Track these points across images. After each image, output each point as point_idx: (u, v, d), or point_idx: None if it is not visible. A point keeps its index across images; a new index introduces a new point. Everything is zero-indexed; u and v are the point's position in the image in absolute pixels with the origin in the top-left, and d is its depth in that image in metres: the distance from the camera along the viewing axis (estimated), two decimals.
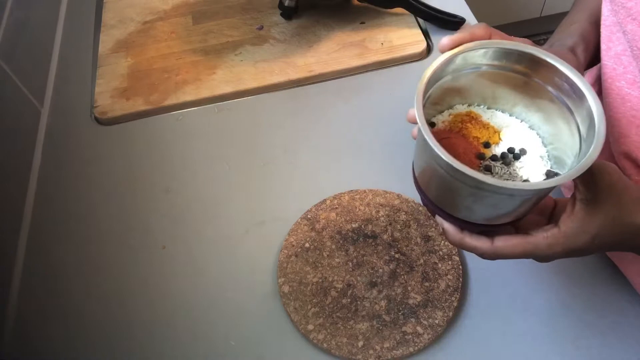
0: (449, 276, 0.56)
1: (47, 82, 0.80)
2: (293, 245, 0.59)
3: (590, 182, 0.37)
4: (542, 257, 0.39)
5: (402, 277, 0.56)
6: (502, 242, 0.39)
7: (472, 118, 0.42)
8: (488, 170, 0.39)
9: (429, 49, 0.79)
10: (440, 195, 0.40)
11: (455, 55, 0.38)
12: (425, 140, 0.35)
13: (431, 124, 0.42)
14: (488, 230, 0.40)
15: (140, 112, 0.74)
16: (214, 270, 0.60)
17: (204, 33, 0.83)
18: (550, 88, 0.39)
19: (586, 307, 0.54)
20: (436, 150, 0.34)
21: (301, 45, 0.80)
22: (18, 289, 0.60)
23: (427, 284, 0.55)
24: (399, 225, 0.60)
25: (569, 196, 0.40)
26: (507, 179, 0.39)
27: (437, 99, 0.41)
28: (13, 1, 0.75)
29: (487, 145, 0.41)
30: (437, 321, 0.53)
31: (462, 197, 0.37)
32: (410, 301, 0.54)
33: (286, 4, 0.82)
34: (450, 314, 0.53)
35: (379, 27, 0.81)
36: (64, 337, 0.57)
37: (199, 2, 0.88)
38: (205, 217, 0.64)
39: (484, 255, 0.40)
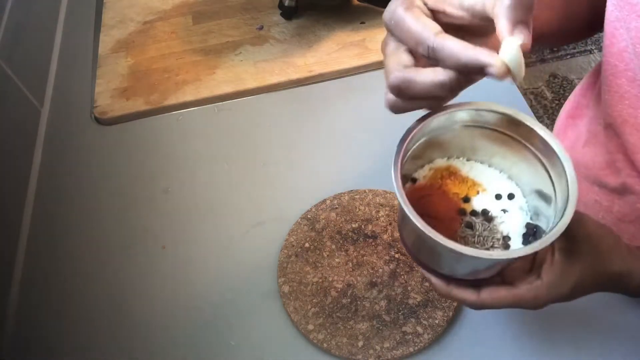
0: None
1: (47, 82, 0.80)
2: (293, 245, 0.59)
3: (567, 233, 0.38)
4: (528, 307, 0.41)
5: (402, 277, 0.56)
6: (488, 295, 0.40)
7: (452, 173, 0.43)
8: (469, 227, 0.40)
9: None
10: (425, 255, 0.41)
11: (432, 119, 0.39)
12: (406, 213, 0.36)
13: (412, 180, 0.43)
14: (474, 282, 0.41)
15: (140, 112, 0.74)
16: (214, 270, 0.60)
17: (204, 33, 0.83)
18: (527, 144, 0.40)
19: (586, 307, 0.54)
20: (417, 224, 0.35)
21: (301, 45, 0.80)
22: (18, 289, 0.60)
23: (427, 284, 0.55)
24: None
25: None
26: (487, 236, 0.40)
27: (417, 154, 0.42)
28: (13, 1, 0.75)
29: (466, 199, 0.42)
30: (437, 321, 0.53)
31: (446, 260, 0.39)
32: (410, 301, 0.54)
33: (286, 4, 0.82)
34: (450, 314, 0.53)
35: (379, 27, 0.81)
36: (64, 337, 0.57)
37: (199, 2, 0.88)
38: (205, 217, 0.64)
39: (471, 306, 0.42)
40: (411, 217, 0.35)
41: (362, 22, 0.82)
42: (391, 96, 0.35)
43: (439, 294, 0.43)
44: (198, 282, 0.59)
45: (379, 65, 0.78)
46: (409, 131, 0.38)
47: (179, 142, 0.72)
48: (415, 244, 0.41)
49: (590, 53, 1.97)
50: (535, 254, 0.36)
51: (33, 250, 0.63)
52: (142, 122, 0.74)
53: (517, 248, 0.39)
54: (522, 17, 0.31)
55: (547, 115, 1.77)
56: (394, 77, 0.34)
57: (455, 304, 0.54)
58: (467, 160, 0.44)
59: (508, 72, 0.31)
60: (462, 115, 0.40)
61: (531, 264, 0.42)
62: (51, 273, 0.61)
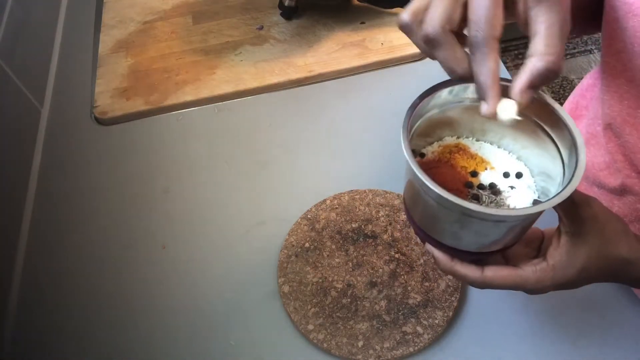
0: (448, 276, 0.56)
1: (47, 82, 0.80)
2: (293, 245, 0.59)
3: (573, 214, 0.37)
4: (531, 290, 0.40)
5: (402, 277, 0.56)
6: (492, 273, 0.40)
7: (460, 149, 0.43)
8: (476, 199, 0.40)
9: None
10: (430, 223, 0.41)
11: (439, 90, 0.39)
12: (412, 170, 0.36)
13: (421, 155, 0.43)
14: (478, 259, 0.41)
15: (140, 112, 0.74)
16: (214, 270, 0.60)
17: (204, 33, 0.83)
18: (534, 118, 0.40)
19: (586, 307, 0.54)
20: (422, 178, 0.35)
21: (301, 45, 0.80)
22: (18, 289, 0.60)
23: (427, 284, 0.55)
24: (399, 225, 0.60)
25: None
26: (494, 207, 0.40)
27: (426, 131, 0.42)
28: (13, 1, 0.75)
29: (474, 174, 0.42)
30: (437, 321, 0.53)
31: (450, 224, 0.38)
32: (410, 301, 0.54)
33: (286, 4, 0.82)
34: (450, 314, 0.53)
35: (379, 27, 0.81)
36: (64, 337, 0.57)
37: (199, 2, 0.88)
38: (205, 217, 0.64)
39: (474, 283, 0.41)
40: (420, 176, 0.35)
41: (362, 22, 0.82)
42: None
43: (441, 269, 0.42)
44: (198, 282, 0.59)
45: (379, 65, 0.78)
46: (415, 102, 0.38)
47: (179, 142, 0.72)
48: (421, 213, 0.41)
49: (590, 53, 1.97)
50: (539, 214, 0.35)
51: (33, 250, 0.63)
52: (142, 122, 0.74)
53: (521, 207, 0.38)
54: (539, 84, 0.33)
55: None
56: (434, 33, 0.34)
57: (455, 304, 0.54)
58: (477, 140, 0.44)
59: (494, 118, 0.35)
60: (470, 90, 0.39)
61: (536, 252, 0.42)
62: (51, 273, 0.61)
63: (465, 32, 0.34)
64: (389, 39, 0.79)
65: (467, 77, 0.35)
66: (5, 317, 0.58)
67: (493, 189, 0.41)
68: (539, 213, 0.35)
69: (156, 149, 0.71)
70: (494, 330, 0.54)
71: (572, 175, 0.35)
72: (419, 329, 0.53)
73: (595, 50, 1.97)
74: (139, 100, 0.75)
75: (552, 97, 1.91)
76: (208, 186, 0.67)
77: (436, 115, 0.41)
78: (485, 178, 0.41)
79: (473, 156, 0.43)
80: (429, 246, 0.42)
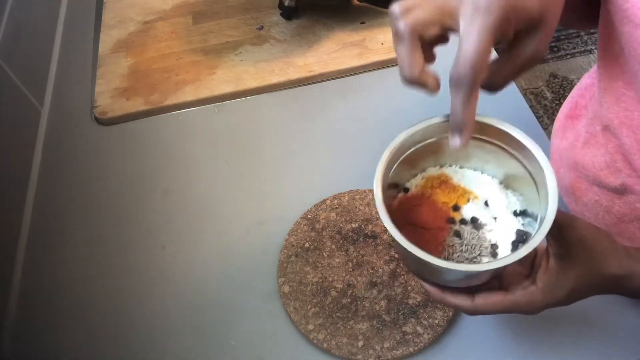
0: None
1: (47, 82, 0.80)
2: (293, 245, 0.59)
3: (559, 238, 0.38)
4: (523, 312, 0.41)
5: (402, 277, 0.56)
6: (483, 300, 0.40)
7: (443, 182, 0.44)
8: (457, 235, 0.41)
9: None
10: (417, 268, 0.42)
11: (417, 131, 0.40)
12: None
13: (405, 190, 0.44)
14: (470, 288, 0.42)
15: (140, 112, 0.74)
16: (214, 270, 0.60)
17: (204, 33, 0.83)
18: (514, 154, 0.41)
19: (586, 307, 0.54)
20: (400, 242, 0.36)
21: (301, 45, 0.80)
22: (18, 289, 0.60)
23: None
24: None
25: None
26: (475, 244, 0.40)
27: (411, 161, 0.43)
28: (13, 1, 0.75)
29: (456, 208, 0.42)
30: (437, 321, 0.53)
31: (435, 272, 0.40)
32: (410, 301, 0.54)
33: (286, 4, 0.82)
34: (450, 314, 0.53)
35: (379, 27, 0.81)
36: (64, 337, 0.57)
37: (199, 2, 0.88)
38: (205, 217, 0.64)
39: (466, 312, 0.42)
40: (393, 235, 0.36)
41: (362, 22, 0.82)
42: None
43: (433, 300, 0.44)
44: (198, 282, 0.59)
45: (379, 65, 0.78)
46: (389, 147, 0.40)
47: (179, 142, 0.72)
48: (408, 259, 0.42)
49: (590, 53, 1.97)
50: (520, 262, 0.36)
51: (33, 250, 0.63)
52: (142, 122, 0.74)
53: (497, 259, 0.39)
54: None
55: (547, 115, 1.76)
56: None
57: None
58: (460, 167, 0.44)
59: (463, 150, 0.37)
60: (443, 126, 0.40)
61: (529, 270, 0.42)
62: (51, 273, 0.61)
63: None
64: (389, 39, 0.79)
65: (411, 82, 0.37)
66: (6, 317, 0.58)
67: (475, 223, 0.41)
68: (515, 262, 0.35)
69: (156, 149, 0.71)
70: (494, 331, 0.54)
71: (543, 221, 0.36)
72: (419, 329, 0.53)
73: (595, 50, 1.97)
74: (139, 100, 0.75)
75: (551, 97, 1.88)
76: (208, 186, 0.67)
77: (420, 147, 0.42)
78: (467, 211, 0.42)
79: (455, 188, 0.43)
80: (420, 280, 0.43)
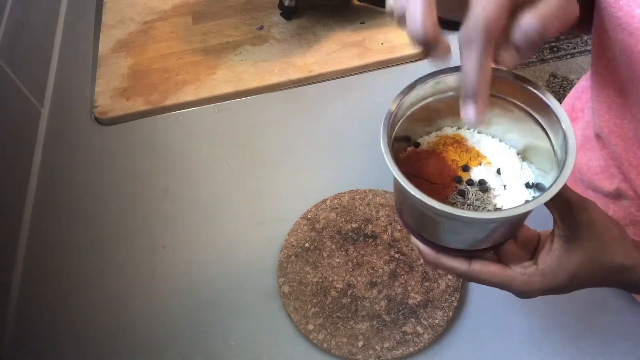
0: (448, 276, 0.56)
1: (47, 82, 0.80)
2: (293, 245, 0.59)
3: (569, 219, 0.36)
4: (518, 292, 0.39)
5: (402, 277, 0.56)
6: (479, 267, 0.38)
7: (456, 141, 0.41)
8: (461, 194, 0.38)
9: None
10: (415, 220, 0.40)
11: (430, 79, 0.38)
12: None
13: (416, 144, 0.42)
14: (467, 256, 0.40)
15: (140, 112, 0.74)
16: (214, 270, 0.60)
17: (204, 33, 0.83)
18: (532, 112, 0.39)
19: (586, 307, 0.54)
20: (404, 184, 0.33)
21: (301, 45, 0.80)
22: (18, 289, 0.60)
23: (427, 284, 0.55)
24: (399, 225, 0.60)
25: None
26: (479, 206, 0.38)
27: (427, 118, 0.41)
28: (13, 1, 0.75)
29: (466, 168, 0.40)
30: (437, 321, 0.53)
31: (432, 223, 0.37)
32: (410, 301, 0.54)
33: (286, 4, 0.82)
34: (450, 314, 0.53)
35: (379, 27, 0.81)
36: (64, 338, 0.57)
37: (199, 2, 0.88)
38: (205, 217, 0.64)
39: (461, 275, 0.40)
40: (396, 176, 0.33)
41: (362, 22, 0.82)
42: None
43: (426, 262, 0.41)
44: (198, 282, 0.59)
45: (379, 65, 0.78)
46: (402, 92, 0.37)
47: (179, 142, 0.72)
48: (406, 209, 0.40)
49: (590, 53, 1.97)
50: (521, 220, 0.33)
51: (33, 250, 0.63)
52: (142, 122, 0.74)
53: (515, 206, 0.35)
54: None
55: None
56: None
57: (455, 304, 0.54)
58: (478, 132, 0.42)
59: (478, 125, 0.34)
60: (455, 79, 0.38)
61: (532, 254, 0.41)
62: (51, 273, 0.61)
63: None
64: (389, 39, 0.79)
65: (425, 38, 0.31)
66: (5, 317, 0.58)
67: (482, 185, 0.39)
68: (520, 215, 0.33)
69: (156, 149, 0.71)
70: (494, 330, 0.54)
71: (557, 177, 0.33)
72: (419, 329, 0.53)
73: None
74: (139, 100, 0.75)
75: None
76: (208, 186, 0.67)
77: (435, 103, 0.40)
78: (476, 174, 0.40)
79: (468, 149, 0.41)
80: (413, 239, 0.41)
